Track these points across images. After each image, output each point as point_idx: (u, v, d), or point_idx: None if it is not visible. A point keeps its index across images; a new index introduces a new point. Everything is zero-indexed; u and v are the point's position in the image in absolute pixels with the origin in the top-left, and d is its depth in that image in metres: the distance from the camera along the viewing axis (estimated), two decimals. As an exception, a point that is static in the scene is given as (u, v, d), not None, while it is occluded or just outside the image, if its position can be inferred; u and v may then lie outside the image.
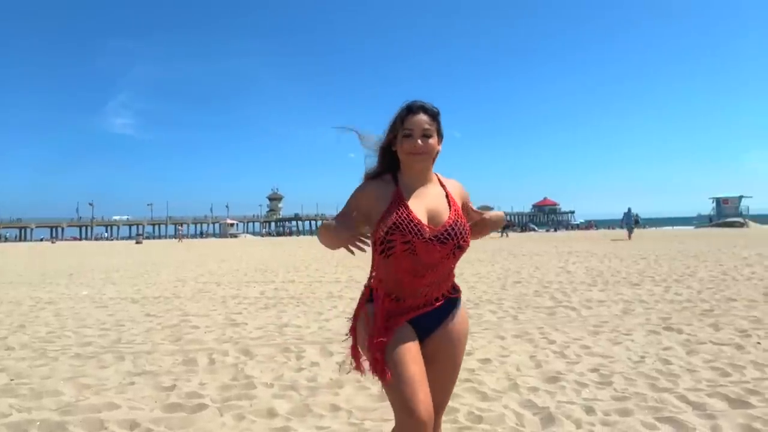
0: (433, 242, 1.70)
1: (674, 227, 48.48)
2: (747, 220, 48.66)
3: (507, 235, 34.81)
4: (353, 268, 11.74)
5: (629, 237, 25.71)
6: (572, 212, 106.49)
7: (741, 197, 54.74)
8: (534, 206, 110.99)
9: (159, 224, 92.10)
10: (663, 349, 4.30)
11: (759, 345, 4.35)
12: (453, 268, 1.85)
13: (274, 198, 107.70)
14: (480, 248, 20.03)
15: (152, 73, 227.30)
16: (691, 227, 48.73)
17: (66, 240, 71.06)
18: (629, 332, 4.93)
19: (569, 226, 77.62)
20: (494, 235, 38.71)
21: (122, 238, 74.46)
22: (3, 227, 79.50)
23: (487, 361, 4.08)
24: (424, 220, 1.73)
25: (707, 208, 58.22)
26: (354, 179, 1.91)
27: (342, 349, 4.41)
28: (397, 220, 1.70)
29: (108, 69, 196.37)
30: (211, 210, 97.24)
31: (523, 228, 39.06)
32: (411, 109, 1.78)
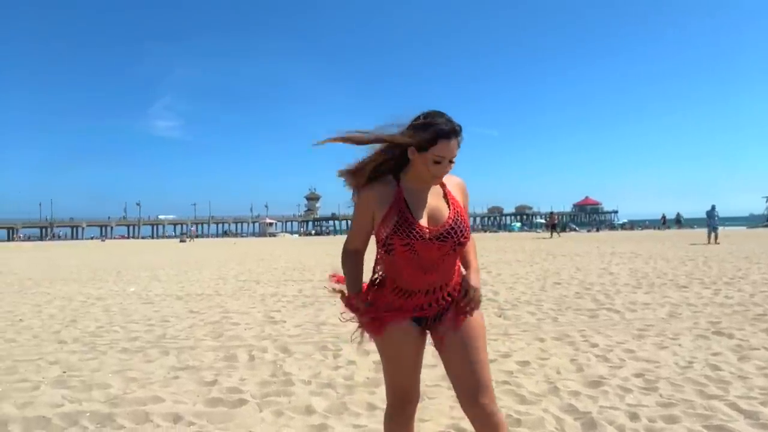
0: (433, 241, 1.77)
1: (725, 227, 46.28)
2: (805, 220, 46.10)
3: (559, 235, 33.06)
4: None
5: (714, 240, 19.81)
6: (615, 212, 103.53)
7: (798, 196, 51.98)
8: (575, 206, 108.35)
9: (202, 223, 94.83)
10: (712, 355, 4.12)
11: (818, 352, 4.11)
12: (455, 263, 1.89)
13: (312, 198, 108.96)
14: (519, 249, 19.73)
15: (193, 75, 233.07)
16: (743, 227, 46.44)
17: (115, 238, 74.17)
18: (676, 336, 4.75)
19: (612, 226, 75.24)
20: (545, 234, 37.92)
21: (168, 237, 77.01)
22: (57, 226, 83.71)
23: (525, 363, 4.01)
24: (425, 221, 1.80)
25: (760, 207, 55.74)
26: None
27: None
28: (396, 224, 1.77)
29: (150, 72, 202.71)
30: (251, 209, 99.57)
31: (564, 228, 37.97)
32: (450, 135, 1.73)
